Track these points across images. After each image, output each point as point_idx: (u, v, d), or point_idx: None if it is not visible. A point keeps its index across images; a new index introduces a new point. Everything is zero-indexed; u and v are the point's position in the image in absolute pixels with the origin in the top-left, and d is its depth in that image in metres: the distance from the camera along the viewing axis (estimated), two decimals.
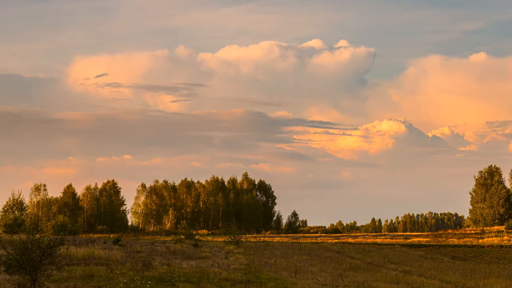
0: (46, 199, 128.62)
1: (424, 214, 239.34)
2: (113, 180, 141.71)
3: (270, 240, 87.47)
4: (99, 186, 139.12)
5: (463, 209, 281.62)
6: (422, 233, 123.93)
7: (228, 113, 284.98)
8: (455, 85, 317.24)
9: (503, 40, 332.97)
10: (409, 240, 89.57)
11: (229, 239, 65.26)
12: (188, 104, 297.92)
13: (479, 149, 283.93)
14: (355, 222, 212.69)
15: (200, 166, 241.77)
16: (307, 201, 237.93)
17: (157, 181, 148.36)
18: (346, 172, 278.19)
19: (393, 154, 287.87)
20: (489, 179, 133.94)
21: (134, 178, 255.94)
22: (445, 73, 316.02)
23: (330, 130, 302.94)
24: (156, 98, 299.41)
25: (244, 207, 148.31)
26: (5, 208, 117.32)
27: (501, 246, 77.80)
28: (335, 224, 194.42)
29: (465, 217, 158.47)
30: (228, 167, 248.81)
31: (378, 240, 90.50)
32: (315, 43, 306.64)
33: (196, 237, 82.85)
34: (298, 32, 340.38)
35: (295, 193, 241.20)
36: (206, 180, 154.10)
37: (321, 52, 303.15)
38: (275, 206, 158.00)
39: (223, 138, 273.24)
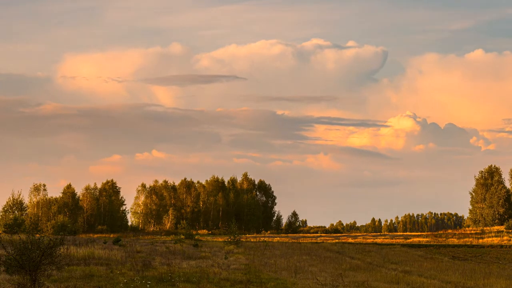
0: (46, 199, 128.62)
1: (424, 214, 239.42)
2: (112, 180, 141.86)
3: (270, 240, 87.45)
4: (99, 186, 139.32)
5: (463, 209, 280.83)
6: (422, 233, 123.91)
7: (234, 111, 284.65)
8: (462, 83, 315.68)
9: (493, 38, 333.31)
10: (409, 240, 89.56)
11: (229, 239, 65.28)
12: (189, 101, 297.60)
13: (496, 147, 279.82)
14: (355, 222, 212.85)
15: (218, 163, 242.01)
16: (307, 201, 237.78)
17: (156, 181, 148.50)
18: (364, 170, 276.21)
19: (403, 152, 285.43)
20: (489, 179, 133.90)
21: (179, 175, 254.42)
22: (447, 72, 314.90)
23: (342, 127, 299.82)
24: (151, 94, 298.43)
25: (244, 207, 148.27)
26: (5, 208, 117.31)
27: (501, 246, 77.80)
28: (335, 224, 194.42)
29: (465, 217, 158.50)
30: (246, 164, 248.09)
31: (378, 240, 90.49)
32: (315, 41, 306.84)
33: (196, 237, 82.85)
34: (298, 31, 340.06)
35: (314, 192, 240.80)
36: (206, 180, 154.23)
37: (321, 51, 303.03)
38: (275, 206, 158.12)
39: (233, 135, 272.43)
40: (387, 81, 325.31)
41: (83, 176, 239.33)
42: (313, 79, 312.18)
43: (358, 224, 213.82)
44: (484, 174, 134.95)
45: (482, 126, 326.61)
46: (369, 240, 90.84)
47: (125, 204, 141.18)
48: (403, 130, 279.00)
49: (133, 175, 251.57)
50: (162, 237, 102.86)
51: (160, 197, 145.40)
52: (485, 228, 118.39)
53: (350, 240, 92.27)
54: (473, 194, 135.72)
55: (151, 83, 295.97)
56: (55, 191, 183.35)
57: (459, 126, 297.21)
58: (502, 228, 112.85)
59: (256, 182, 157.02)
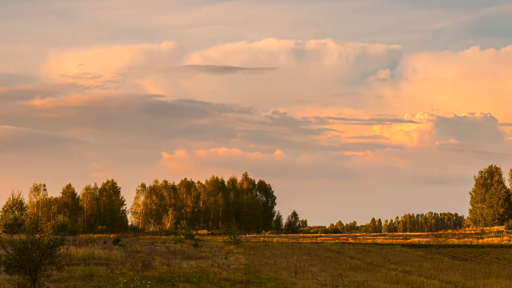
0: (46, 199, 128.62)
1: (424, 214, 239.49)
2: (112, 180, 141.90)
3: (270, 240, 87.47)
4: (99, 186, 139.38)
5: (463, 209, 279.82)
6: (422, 233, 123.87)
7: (239, 106, 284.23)
8: (468, 78, 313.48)
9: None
10: (409, 240, 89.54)
11: (229, 239, 65.30)
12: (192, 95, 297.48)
13: None
14: (355, 222, 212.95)
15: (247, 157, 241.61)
16: (307, 201, 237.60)
17: (156, 181, 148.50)
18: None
19: (415, 150, 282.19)
20: (489, 179, 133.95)
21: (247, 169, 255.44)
22: (452, 68, 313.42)
23: (353, 125, 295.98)
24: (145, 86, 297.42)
25: (244, 207, 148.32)
26: (5, 208, 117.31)
27: (501, 246, 77.78)
28: (335, 224, 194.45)
29: (465, 217, 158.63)
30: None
31: (378, 240, 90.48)
32: (309, 40, 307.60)
33: (196, 237, 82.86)
34: (299, 29, 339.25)
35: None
36: (206, 180, 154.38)
37: (324, 48, 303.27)
38: (275, 206, 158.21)
39: (246, 129, 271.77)
40: (395, 78, 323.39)
41: (156, 171, 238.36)
42: (311, 81, 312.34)
43: (358, 224, 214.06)
44: (484, 174, 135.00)
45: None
46: (369, 240, 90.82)
47: (125, 204, 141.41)
48: (419, 126, 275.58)
49: (205, 170, 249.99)
50: (162, 237, 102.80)
51: (160, 197, 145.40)
52: (485, 228, 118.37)
53: (350, 240, 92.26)
54: (473, 194, 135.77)
55: (149, 76, 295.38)
56: (55, 191, 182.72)
57: (475, 118, 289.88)
58: (502, 228, 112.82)
59: (256, 182, 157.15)
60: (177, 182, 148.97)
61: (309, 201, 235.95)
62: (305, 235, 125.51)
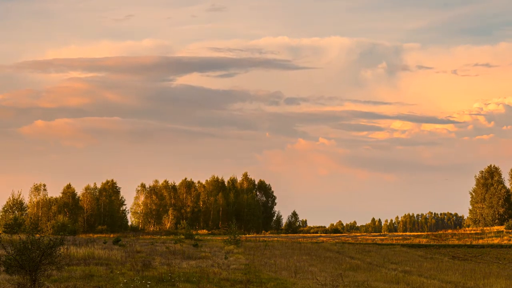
0: (46, 199, 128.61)
1: (424, 214, 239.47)
2: (112, 180, 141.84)
3: (269, 240, 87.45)
4: (99, 186, 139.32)
5: (463, 209, 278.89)
6: (422, 233, 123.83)
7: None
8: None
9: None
10: (409, 240, 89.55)
11: (229, 239, 65.30)
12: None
13: None
14: (355, 222, 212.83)
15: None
16: (307, 201, 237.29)
17: (157, 181, 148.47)
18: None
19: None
20: (489, 179, 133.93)
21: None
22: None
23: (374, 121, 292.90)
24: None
25: (244, 207, 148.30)
26: (5, 208, 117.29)
27: (501, 246, 77.78)
28: (335, 224, 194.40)
29: (465, 217, 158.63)
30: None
31: (378, 240, 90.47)
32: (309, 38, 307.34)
33: (196, 237, 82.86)
34: (304, 28, 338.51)
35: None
36: (206, 180, 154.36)
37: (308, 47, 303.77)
38: (275, 206, 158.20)
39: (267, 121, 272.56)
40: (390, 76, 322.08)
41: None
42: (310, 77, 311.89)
43: (358, 224, 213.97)
44: (484, 174, 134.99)
45: None
46: (369, 240, 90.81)
47: (125, 204, 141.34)
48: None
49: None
50: (162, 237, 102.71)
51: (160, 197, 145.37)
52: (485, 228, 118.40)
53: (350, 240, 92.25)
54: (473, 194, 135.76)
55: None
56: (55, 191, 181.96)
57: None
58: (502, 228, 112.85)
59: (256, 182, 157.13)
60: (177, 182, 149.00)
61: (309, 201, 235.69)
62: (305, 235, 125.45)
